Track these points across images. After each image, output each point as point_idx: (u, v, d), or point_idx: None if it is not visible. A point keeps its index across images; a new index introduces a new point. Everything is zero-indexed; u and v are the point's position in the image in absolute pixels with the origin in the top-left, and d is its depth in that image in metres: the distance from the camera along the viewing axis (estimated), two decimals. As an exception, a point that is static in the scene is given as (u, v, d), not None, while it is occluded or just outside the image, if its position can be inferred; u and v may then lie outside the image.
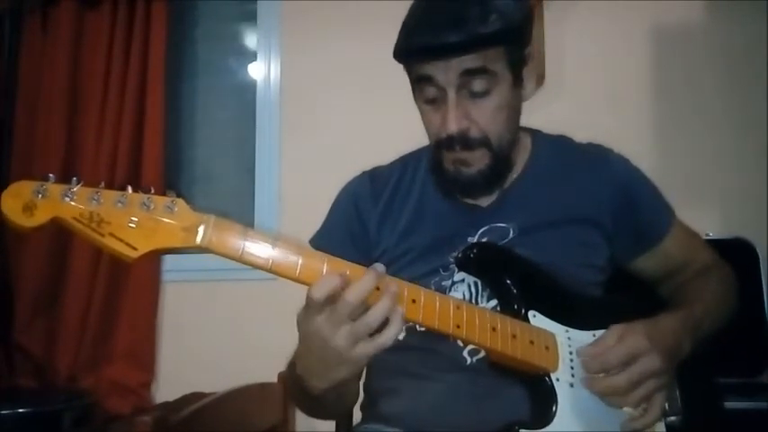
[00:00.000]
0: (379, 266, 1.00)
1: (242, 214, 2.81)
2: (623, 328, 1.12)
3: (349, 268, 1.00)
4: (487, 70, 1.21)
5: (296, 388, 1.13)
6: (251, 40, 3.02)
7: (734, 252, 1.47)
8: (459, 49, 1.19)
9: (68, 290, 2.75)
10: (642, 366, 1.09)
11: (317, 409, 1.33)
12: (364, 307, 0.96)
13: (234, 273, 2.49)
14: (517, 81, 1.27)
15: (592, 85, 2.59)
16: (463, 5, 1.19)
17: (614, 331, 1.12)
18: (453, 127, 1.22)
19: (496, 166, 1.28)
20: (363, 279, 0.97)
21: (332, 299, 0.95)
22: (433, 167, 1.35)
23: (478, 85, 1.22)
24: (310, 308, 0.97)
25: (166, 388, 2.72)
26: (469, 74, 1.21)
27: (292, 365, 1.16)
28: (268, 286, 2.24)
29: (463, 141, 1.24)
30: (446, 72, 1.21)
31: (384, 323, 0.97)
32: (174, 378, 2.72)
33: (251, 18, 2.99)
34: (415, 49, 1.23)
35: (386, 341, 0.98)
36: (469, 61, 1.20)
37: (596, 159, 1.40)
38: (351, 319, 0.96)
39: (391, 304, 0.98)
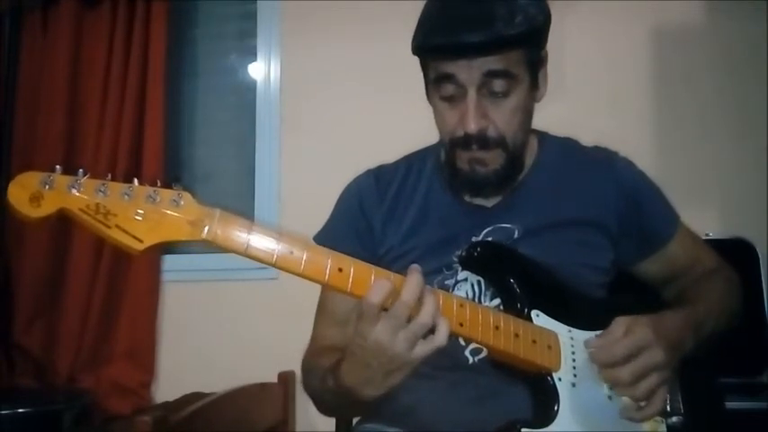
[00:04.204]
0: (417, 267, 1.01)
1: (242, 214, 2.80)
2: (630, 320, 1.12)
3: (387, 274, 1.01)
4: (509, 72, 1.22)
5: (337, 398, 1.14)
6: (251, 40, 3.02)
7: (734, 252, 1.47)
8: (485, 50, 1.19)
9: (68, 290, 2.74)
10: (647, 359, 1.09)
11: (354, 413, 1.37)
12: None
13: (234, 273, 2.51)
14: (533, 83, 1.28)
15: (592, 85, 2.59)
16: (489, 5, 1.19)
17: (621, 323, 1.12)
18: (473, 126, 1.22)
19: (510, 166, 1.29)
20: (412, 279, 0.99)
21: (384, 305, 0.97)
22: (444, 166, 1.35)
23: (499, 86, 1.22)
24: (366, 317, 0.98)
25: (166, 388, 2.71)
26: (492, 75, 1.21)
27: (322, 376, 1.17)
28: (268, 286, 2.25)
29: (481, 141, 1.24)
30: (469, 71, 1.21)
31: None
32: (174, 378, 2.72)
33: (251, 18, 2.99)
34: (440, 47, 1.23)
35: (442, 339, 1.00)
36: (493, 62, 1.20)
37: (602, 162, 1.40)
38: (406, 323, 0.97)
39: (438, 302, 1.00)
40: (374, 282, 0.99)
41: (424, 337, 0.99)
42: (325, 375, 1.16)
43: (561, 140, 1.45)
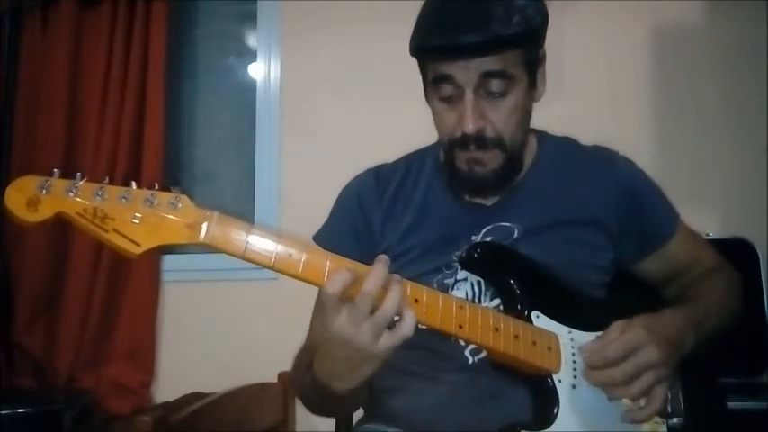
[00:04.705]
0: (383, 257, 1.00)
1: (242, 214, 2.79)
2: (625, 323, 1.12)
3: (353, 265, 1.00)
4: (507, 73, 1.21)
5: (314, 393, 1.14)
6: (251, 40, 3.02)
7: (734, 252, 1.47)
8: (481, 50, 1.19)
9: (68, 290, 2.75)
10: (640, 358, 1.09)
11: (334, 410, 1.35)
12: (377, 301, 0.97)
13: (234, 273, 2.51)
14: (531, 82, 1.28)
15: (592, 85, 2.59)
16: (486, 5, 1.18)
17: (616, 327, 1.12)
18: (470, 126, 1.22)
19: (509, 166, 1.29)
20: (376, 269, 0.98)
21: (347, 296, 0.96)
22: (443, 166, 1.35)
23: (496, 86, 1.22)
24: (327, 308, 0.97)
25: (166, 388, 2.72)
26: (489, 75, 1.21)
27: (303, 371, 1.16)
28: (268, 286, 2.24)
29: (479, 141, 1.24)
30: (466, 72, 1.21)
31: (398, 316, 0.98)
32: (174, 378, 2.72)
33: (251, 18, 2.99)
34: (437, 48, 1.23)
35: (408, 330, 0.98)
36: (490, 63, 1.20)
37: (602, 161, 1.40)
38: (369, 314, 0.96)
39: (402, 292, 0.98)
40: (332, 272, 0.97)
41: (390, 327, 0.98)
42: (305, 371, 1.16)
43: (560, 140, 1.45)
